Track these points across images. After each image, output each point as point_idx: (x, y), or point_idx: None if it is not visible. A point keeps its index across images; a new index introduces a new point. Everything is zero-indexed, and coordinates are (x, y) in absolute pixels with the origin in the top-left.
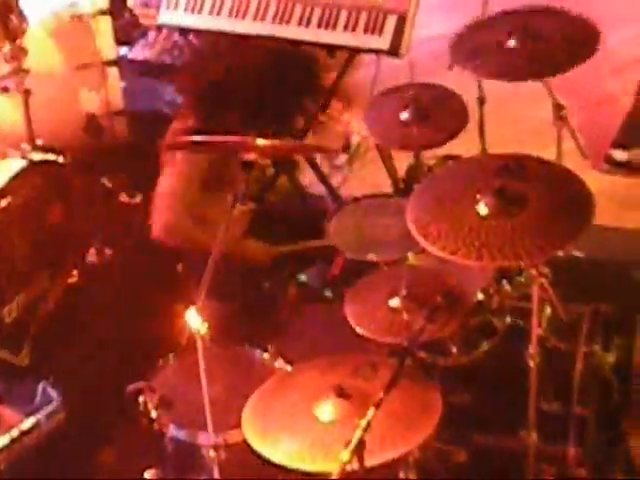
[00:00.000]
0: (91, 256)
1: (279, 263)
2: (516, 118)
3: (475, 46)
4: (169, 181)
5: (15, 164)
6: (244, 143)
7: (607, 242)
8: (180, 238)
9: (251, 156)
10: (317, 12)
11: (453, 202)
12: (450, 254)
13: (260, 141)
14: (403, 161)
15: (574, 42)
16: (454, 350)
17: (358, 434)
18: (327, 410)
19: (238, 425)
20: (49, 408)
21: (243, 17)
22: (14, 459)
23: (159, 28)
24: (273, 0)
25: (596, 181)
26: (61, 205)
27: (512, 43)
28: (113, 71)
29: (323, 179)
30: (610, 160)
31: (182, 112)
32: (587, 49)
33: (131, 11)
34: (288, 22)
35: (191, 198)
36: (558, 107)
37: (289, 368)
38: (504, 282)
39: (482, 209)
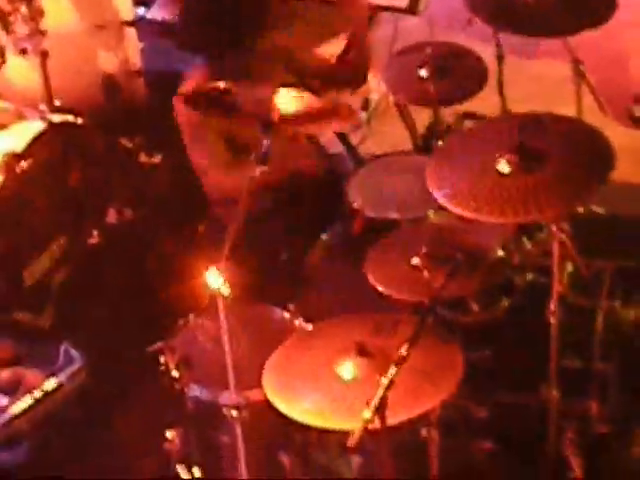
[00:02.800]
0: (111, 217)
1: (298, 224)
2: (535, 75)
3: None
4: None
5: (34, 126)
6: (263, 104)
7: (628, 198)
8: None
9: (274, 115)
10: None
11: (473, 160)
12: (471, 211)
13: (280, 100)
14: (422, 119)
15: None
16: (475, 307)
17: (380, 392)
18: (349, 368)
19: (259, 384)
20: (71, 369)
21: None
22: (37, 420)
23: None
24: None
25: (616, 137)
26: (80, 166)
27: None
28: (131, 31)
29: (342, 138)
30: (631, 116)
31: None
32: (605, 9)
33: None
34: None
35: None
36: (576, 63)
37: (310, 327)
38: (524, 239)
39: (503, 166)
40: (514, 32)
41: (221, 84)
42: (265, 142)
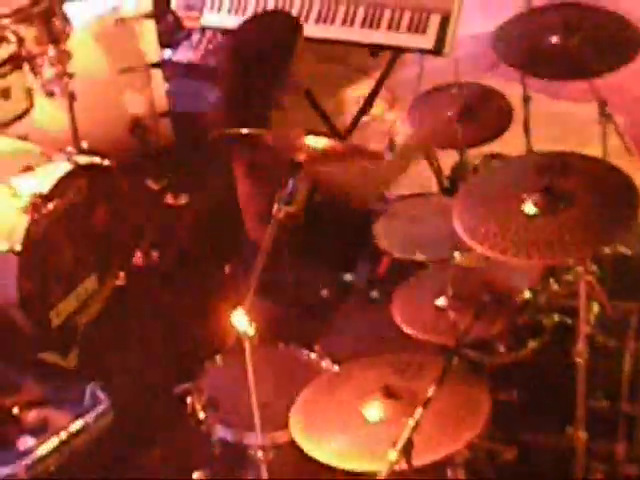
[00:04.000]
0: (138, 258)
1: (325, 262)
2: (561, 115)
3: (519, 43)
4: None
5: (61, 167)
6: (293, 143)
7: None
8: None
9: (300, 157)
10: (361, 11)
11: (500, 201)
12: (498, 253)
13: (310, 141)
14: (448, 160)
15: (618, 42)
16: (501, 349)
17: (406, 434)
18: (375, 410)
19: (286, 425)
20: (97, 410)
21: None
22: (64, 461)
23: (203, 30)
24: (316, 1)
25: None
26: (107, 207)
27: (554, 40)
28: (157, 73)
29: None
30: None
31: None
32: (631, 50)
33: (174, 13)
34: (332, 22)
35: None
36: (602, 103)
37: (336, 368)
38: (551, 280)
39: (529, 208)
40: (540, 76)
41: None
42: (291, 182)
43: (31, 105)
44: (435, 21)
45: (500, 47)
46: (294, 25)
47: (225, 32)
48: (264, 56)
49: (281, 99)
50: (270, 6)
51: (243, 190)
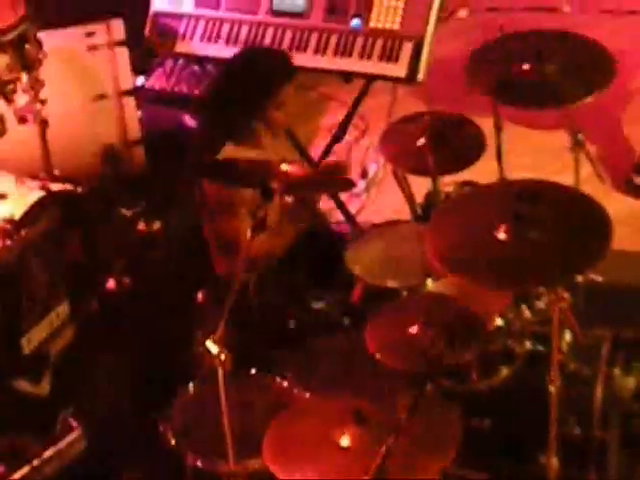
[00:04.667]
0: (110, 285)
1: (297, 290)
2: (534, 143)
3: (490, 71)
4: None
5: (33, 194)
6: (266, 169)
7: (626, 267)
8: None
9: (274, 183)
10: (333, 40)
11: (471, 228)
12: (470, 280)
13: (283, 167)
14: (421, 187)
15: (591, 70)
16: (474, 376)
17: (379, 460)
18: (347, 436)
19: (258, 453)
20: (69, 438)
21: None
22: None
23: (176, 57)
24: (289, 29)
25: (615, 206)
26: (79, 234)
27: (526, 67)
28: (130, 101)
29: (341, 206)
30: (630, 185)
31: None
32: (604, 78)
33: (147, 40)
34: (305, 50)
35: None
36: (575, 132)
37: (308, 395)
38: (523, 307)
39: (501, 235)
40: (512, 104)
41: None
42: (262, 209)
43: (3, 132)
44: (408, 49)
45: (471, 75)
46: (285, 67)
47: (198, 60)
48: (247, 90)
49: (259, 134)
50: (242, 36)
51: (209, 224)
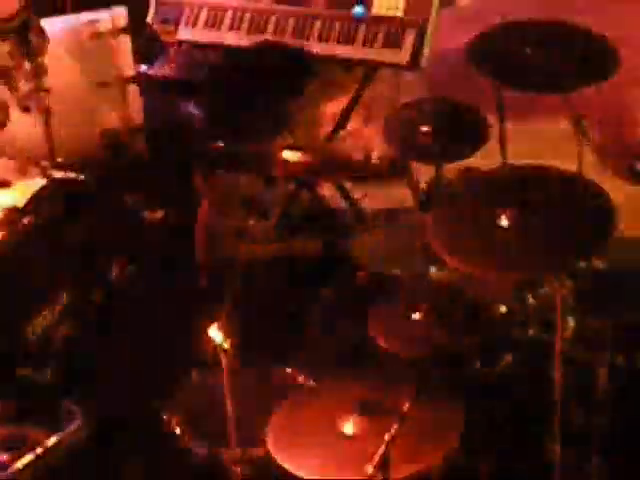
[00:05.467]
0: (113, 273)
1: (300, 279)
2: (536, 130)
3: (494, 55)
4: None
5: (36, 182)
6: (269, 158)
7: (629, 253)
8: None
9: (278, 171)
10: (336, 27)
11: (475, 215)
12: (473, 267)
13: (286, 155)
14: (424, 175)
15: (594, 58)
16: (477, 363)
17: (382, 448)
18: (351, 424)
19: (262, 440)
20: (73, 425)
21: (262, 33)
22: (39, 477)
23: (179, 44)
24: (292, 17)
25: (617, 193)
26: (82, 222)
27: (529, 52)
28: (133, 88)
29: (345, 193)
30: (632, 171)
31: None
32: (607, 67)
33: (150, 27)
34: (307, 38)
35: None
36: (578, 118)
37: (312, 382)
38: (526, 294)
39: (503, 221)
40: (515, 87)
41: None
42: (267, 197)
43: (7, 120)
44: (410, 36)
45: (474, 59)
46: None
47: (201, 47)
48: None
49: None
50: (245, 22)
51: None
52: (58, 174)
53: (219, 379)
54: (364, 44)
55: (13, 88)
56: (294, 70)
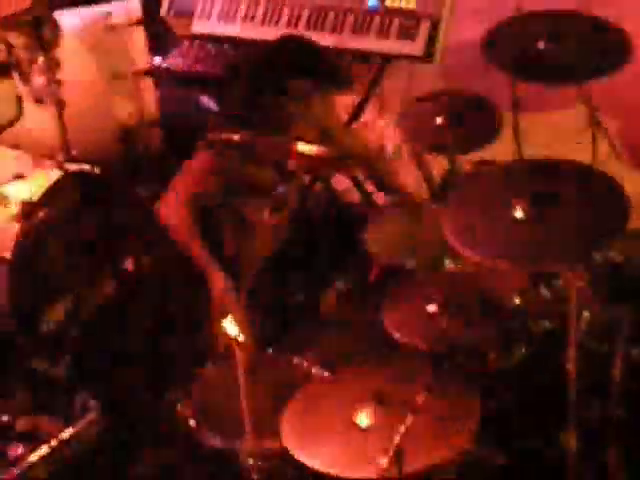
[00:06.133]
0: (128, 265)
1: (314, 271)
2: (552, 122)
3: (509, 47)
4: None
5: (51, 175)
6: (284, 149)
7: None
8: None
9: (291, 164)
10: (350, 19)
11: (489, 207)
12: (488, 259)
13: (301, 147)
14: (439, 166)
15: (608, 49)
16: (492, 355)
17: (397, 440)
18: (366, 416)
19: (277, 432)
20: (88, 418)
21: (276, 25)
22: (54, 469)
23: (193, 37)
24: (306, 8)
25: (632, 185)
26: (97, 215)
27: (543, 44)
28: (147, 81)
29: (359, 185)
30: None
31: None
32: (621, 57)
33: (164, 20)
34: (321, 29)
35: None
36: (593, 110)
37: (327, 374)
38: (541, 286)
39: (518, 213)
40: (530, 80)
41: (237, 134)
42: (281, 189)
43: (21, 113)
44: (425, 28)
45: (489, 51)
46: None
47: (215, 39)
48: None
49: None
50: (259, 15)
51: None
52: (73, 167)
53: (234, 372)
54: (378, 36)
55: (27, 81)
56: (320, 75)
